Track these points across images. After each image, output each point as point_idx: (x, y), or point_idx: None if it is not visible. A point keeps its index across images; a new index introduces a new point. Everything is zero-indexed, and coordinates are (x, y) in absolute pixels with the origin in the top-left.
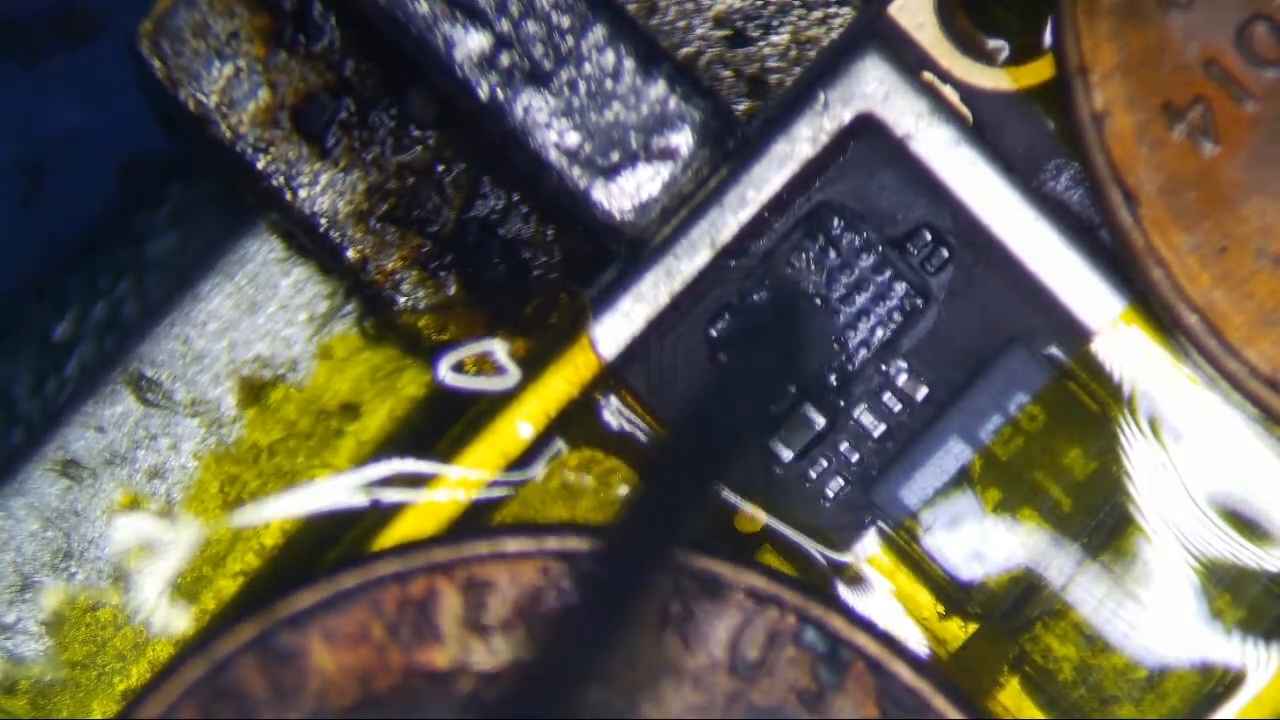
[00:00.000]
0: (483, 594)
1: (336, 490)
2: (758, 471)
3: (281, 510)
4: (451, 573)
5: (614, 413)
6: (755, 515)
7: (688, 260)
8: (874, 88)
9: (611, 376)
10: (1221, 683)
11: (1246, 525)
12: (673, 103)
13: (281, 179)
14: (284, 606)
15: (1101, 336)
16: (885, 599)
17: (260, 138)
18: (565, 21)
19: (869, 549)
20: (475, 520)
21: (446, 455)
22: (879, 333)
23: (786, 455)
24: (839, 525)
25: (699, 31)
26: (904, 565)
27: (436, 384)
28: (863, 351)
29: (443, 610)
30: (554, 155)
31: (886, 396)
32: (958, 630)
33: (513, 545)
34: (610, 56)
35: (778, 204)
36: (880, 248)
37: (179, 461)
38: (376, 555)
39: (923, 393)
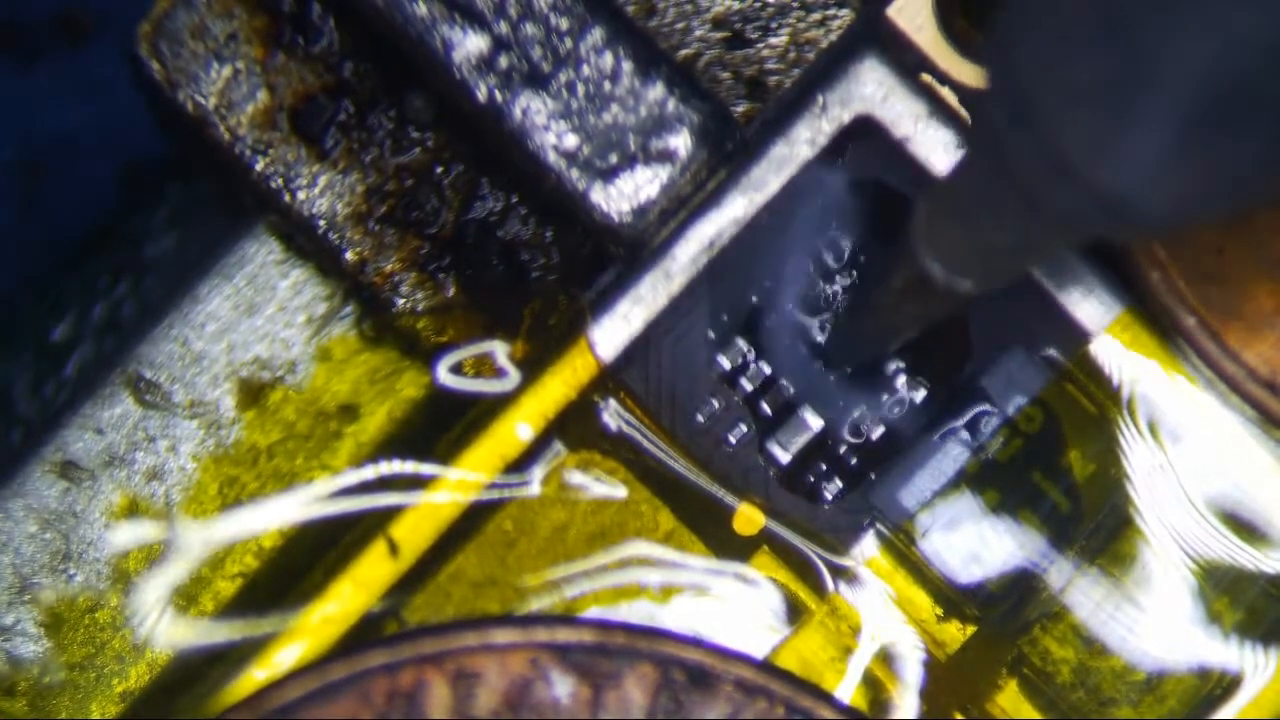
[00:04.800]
0: (472, 685)
1: (336, 492)
2: (756, 474)
3: (280, 512)
4: (440, 664)
5: (613, 415)
6: (753, 518)
7: (686, 263)
8: (872, 90)
9: (610, 379)
10: (1219, 685)
11: (1245, 528)
12: (671, 105)
13: (280, 180)
14: (274, 697)
15: (1100, 339)
16: (883, 601)
17: (259, 139)
18: (564, 23)
19: (867, 551)
20: (474, 520)
21: (445, 457)
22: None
23: (785, 458)
24: (837, 528)
25: (698, 33)
26: (902, 568)
27: (435, 386)
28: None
29: (431, 701)
30: (552, 157)
31: (885, 398)
32: (956, 633)
33: (501, 636)
34: (609, 58)
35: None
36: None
37: (178, 463)
38: (365, 645)
39: (921, 395)
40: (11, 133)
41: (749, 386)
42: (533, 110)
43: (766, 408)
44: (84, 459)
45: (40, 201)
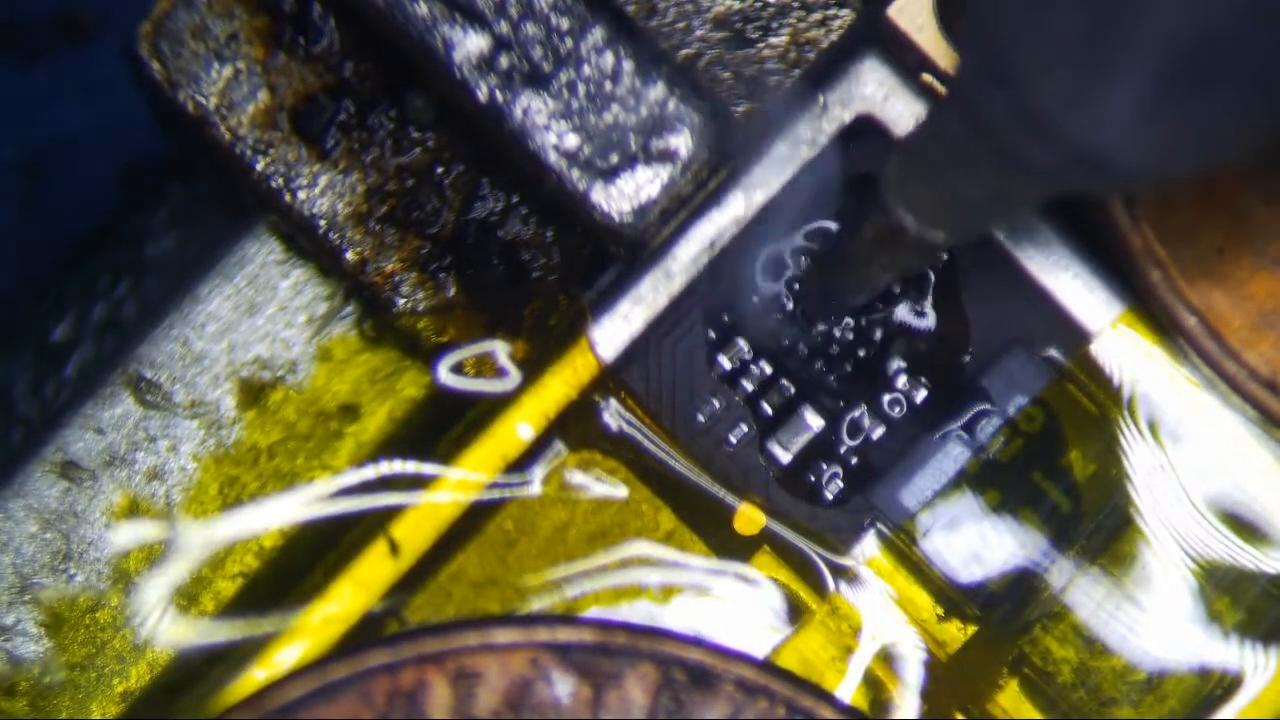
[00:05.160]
0: (472, 685)
1: (336, 492)
2: (757, 474)
3: (281, 512)
4: (441, 663)
5: (613, 414)
6: (754, 517)
7: (687, 262)
8: (873, 90)
9: (611, 378)
10: (1220, 685)
11: (1245, 527)
12: (672, 105)
13: (281, 180)
14: (275, 696)
15: (1100, 338)
16: (883, 601)
17: (259, 139)
18: (564, 23)
19: (868, 551)
20: (475, 520)
21: (446, 457)
22: (878, 334)
23: (785, 458)
24: (838, 527)
25: (698, 33)
26: (903, 568)
27: (436, 385)
28: (861, 352)
29: (432, 701)
30: (553, 157)
31: (885, 398)
32: (957, 632)
33: (502, 636)
34: (609, 58)
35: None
36: None
37: (178, 463)
38: (367, 646)
39: (921, 395)
40: (11, 133)
41: (750, 386)
42: (533, 110)
43: (767, 408)
44: (84, 459)
45: (40, 201)
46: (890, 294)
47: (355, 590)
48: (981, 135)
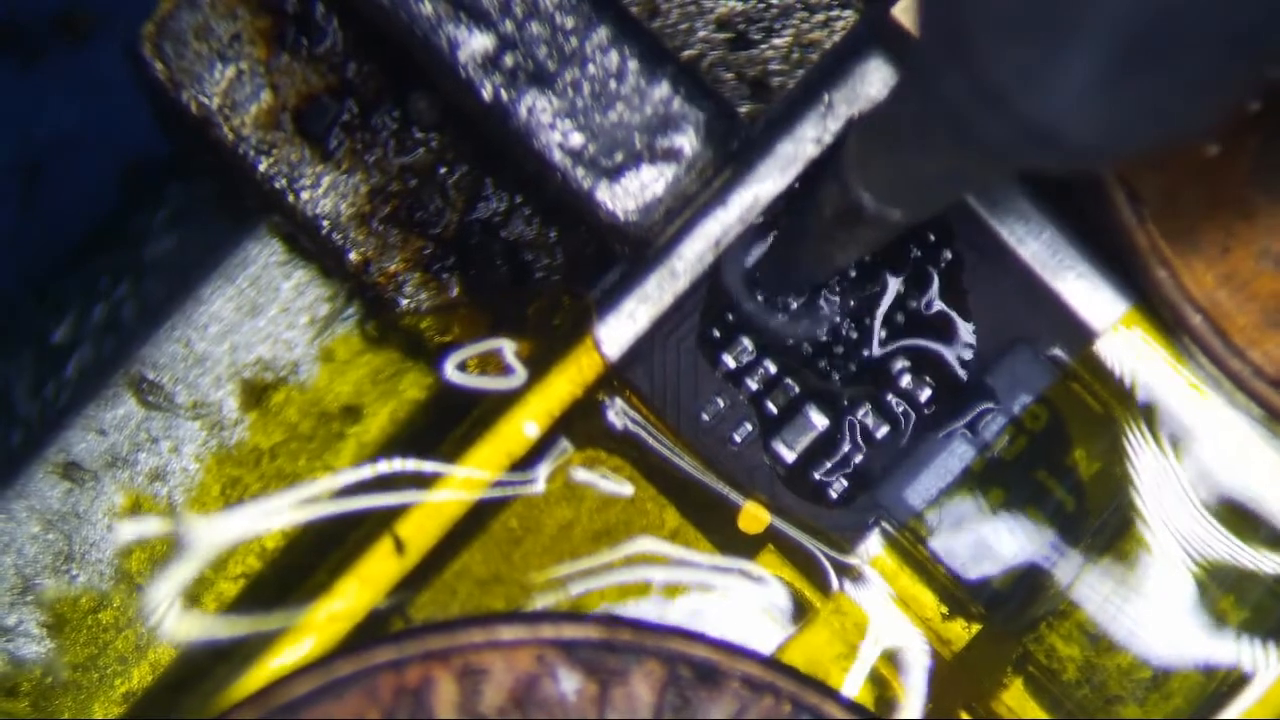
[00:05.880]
0: (478, 682)
1: (340, 491)
2: (761, 472)
3: (284, 512)
4: (447, 660)
5: (618, 413)
6: (759, 515)
7: (692, 261)
8: (878, 89)
9: (616, 377)
10: (1225, 683)
11: (1250, 526)
12: (676, 104)
13: (284, 181)
14: (281, 694)
15: (1105, 337)
16: (888, 599)
17: (262, 140)
18: (569, 23)
19: (873, 550)
20: (480, 518)
21: (451, 455)
22: (882, 333)
23: (790, 456)
24: (843, 526)
25: (702, 34)
26: (907, 566)
27: (442, 382)
28: (865, 352)
29: (438, 698)
30: (558, 156)
31: (890, 397)
32: (961, 631)
33: (508, 633)
34: (614, 57)
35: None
36: (883, 248)
37: (181, 464)
38: (373, 643)
39: (926, 394)
40: (11, 133)
41: (754, 385)
42: (538, 109)
43: (771, 406)
44: (87, 460)
45: (40, 202)
46: (876, 282)
47: (361, 587)
48: (937, 110)
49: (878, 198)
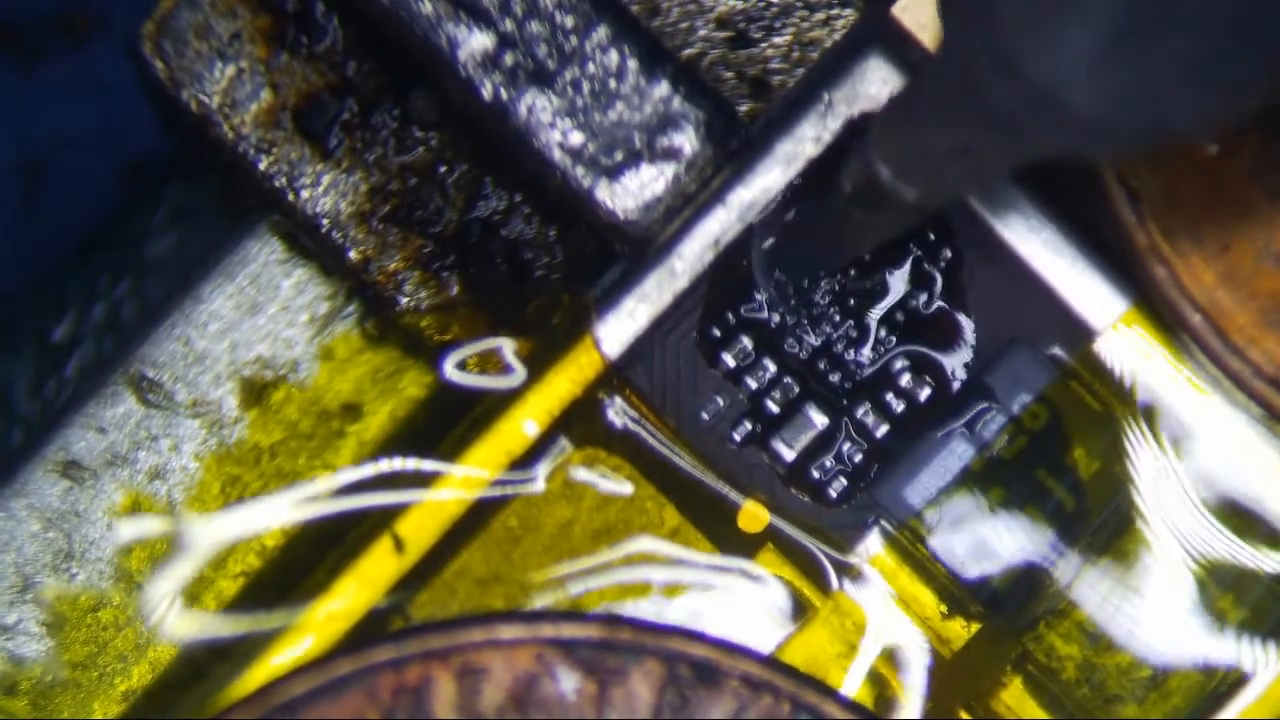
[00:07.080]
0: (478, 681)
1: (339, 490)
2: (761, 471)
3: (283, 510)
4: (447, 659)
5: (618, 412)
6: (758, 514)
7: (692, 260)
8: (877, 88)
9: (615, 375)
10: (1225, 682)
11: (1249, 525)
12: (676, 103)
13: (284, 180)
14: (279, 693)
15: (1105, 336)
16: (887, 599)
17: (263, 139)
18: (569, 21)
19: (872, 548)
20: (479, 517)
21: (450, 454)
22: (882, 332)
23: (789, 455)
24: (842, 525)
25: (702, 33)
26: (907, 565)
27: (442, 381)
28: (866, 351)
29: (438, 697)
30: (558, 155)
31: (889, 396)
32: (960, 630)
33: (507, 632)
34: (614, 56)
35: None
36: (884, 247)
37: (180, 462)
38: (372, 642)
39: (925, 393)
40: (12, 133)
41: (753, 384)
42: (538, 108)
43: (771, 405)
44: (86, 458)
45: (40, 201)
46: (881, 280)
47: (360, 587)
48: (954, 76)
49: (895, 173)
